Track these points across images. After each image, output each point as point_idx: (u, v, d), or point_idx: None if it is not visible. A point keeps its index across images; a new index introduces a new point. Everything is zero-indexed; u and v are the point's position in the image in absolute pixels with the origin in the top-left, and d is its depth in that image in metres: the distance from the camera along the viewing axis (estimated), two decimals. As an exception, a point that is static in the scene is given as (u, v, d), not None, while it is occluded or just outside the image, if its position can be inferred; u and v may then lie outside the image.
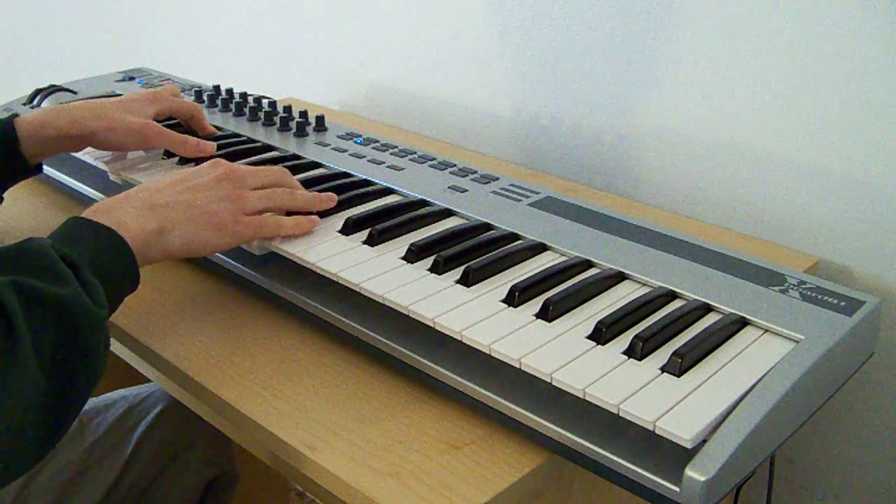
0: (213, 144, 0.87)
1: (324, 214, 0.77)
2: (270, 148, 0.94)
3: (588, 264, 0.69)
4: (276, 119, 1.00)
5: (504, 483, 0.54)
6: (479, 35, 1.11)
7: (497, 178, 0.85)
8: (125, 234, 0.61)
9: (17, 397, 0.49)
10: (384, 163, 0.89)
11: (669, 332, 0.59)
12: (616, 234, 0.73)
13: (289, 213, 0.74)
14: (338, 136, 0.98)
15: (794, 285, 0.66)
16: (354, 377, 0.65)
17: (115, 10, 1.82)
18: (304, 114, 1.01)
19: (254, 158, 0.90)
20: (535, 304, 0.62)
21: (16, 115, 0.82)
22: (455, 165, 0.88)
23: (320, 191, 0.80)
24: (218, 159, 0.74)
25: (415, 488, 0.54)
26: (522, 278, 0.65)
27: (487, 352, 0.58)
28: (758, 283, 0.66)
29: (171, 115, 0.91)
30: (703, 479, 0.47)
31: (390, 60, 1.26)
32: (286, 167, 0.87)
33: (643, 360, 0.56)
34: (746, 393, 0.53)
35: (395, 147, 0.94)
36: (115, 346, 0.78)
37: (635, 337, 0.57)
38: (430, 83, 1.20)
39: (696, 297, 0.64)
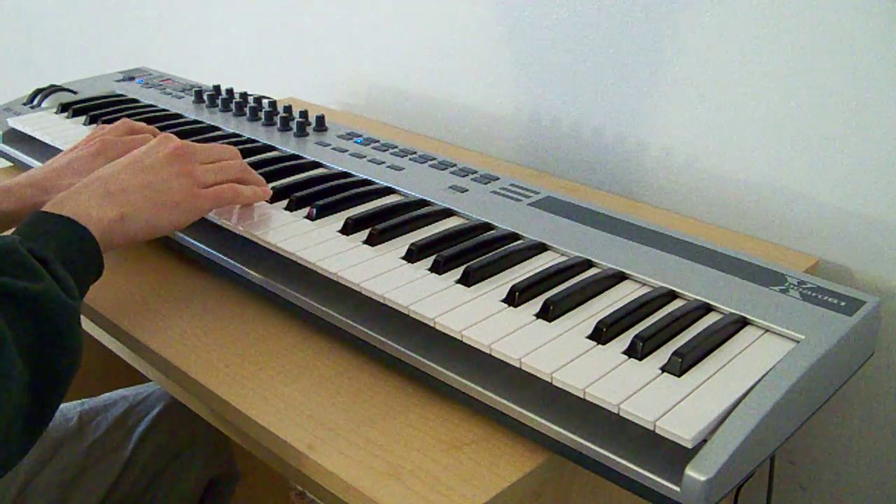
0: None
1: (325, 214, 0.77)
2: (271, 148, 0.94)
3: (588, 264, 0.69)
4: (277, 119, 1.00)
5: (504, 483, 0.54)
6: (480, 35, 1.11)
7: (497, 178, 0.85)
8: (87, 224, 0.62)
9: (3, 391, 0.50)
10: (384, 163, 0.89)
11: (669, 331, 0.59)
12: (616, 234, 0.73)
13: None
14: (338, 136, 0.98)
15: (794, 285, 0.66)
16: (354, 377, 0.65)
17: (115, 10, 1.82)
18: (304, 114, 1.01)
19: (254, 158, 0.90)
20: (536, 304, 0.62)
21: None
22: (455, 165, 0.89)
23: (319, 191, 0.80)
24: (167, 134, 0.74)
25: (415, 488, 0.54)
26: (522, 278, 0.65)
27: (488, 351, 0.58)
28: (758, 283, 0.66)
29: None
30: (703, 478, 0.47)
31: (390, 60, 1.26)
32: (286, 167, 0.87)
33: (643, 360, 0.56)
34: (746, 393, 0.53)
35: (395, 147, 0.94)
36: (116, 346, 0.78)
37: (635, 337, 0.57)
38: (430, 83, 1.20)
39: (697, 297, 0.64)
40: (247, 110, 1.04)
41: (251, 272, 0.73)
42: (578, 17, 0.99)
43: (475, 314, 0.61)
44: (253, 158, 0.90)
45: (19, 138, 1.04)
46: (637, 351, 0.57)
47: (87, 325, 0.78)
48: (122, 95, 1.15)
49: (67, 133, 1.00)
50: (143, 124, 0.88)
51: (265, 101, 1.05)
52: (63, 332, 0.55)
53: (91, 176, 0.68)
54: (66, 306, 0.56)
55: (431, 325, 0.61)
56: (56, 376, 0.55)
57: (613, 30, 0.97)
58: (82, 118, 1.05)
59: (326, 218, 0.77)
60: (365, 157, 0.91)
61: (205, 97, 1.09)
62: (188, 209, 0.69)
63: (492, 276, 0.67)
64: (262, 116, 1.02)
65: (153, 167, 0.69)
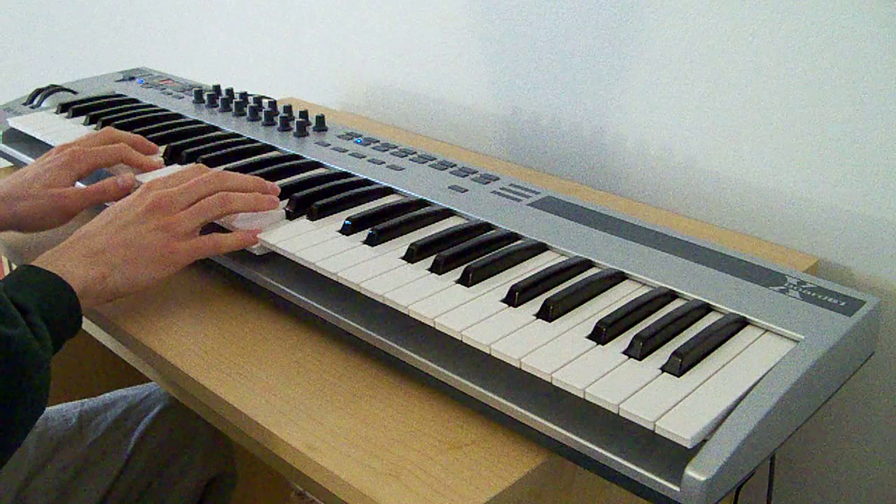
0: (132, 176, 0.82)
1: (324, 214, 0.77)
2: (271, 148, 0.94)
3: (588, 264, 0.69)
4: (277, 119, 1.00)
5: (504, 483, 0.54)
6: (480, 35, 1.11)
7: (497, 178, 0.85)
8: (70, 281, 0.64)
9: None
10: (384, 163, 0.89)
11: (669, 331, 0.59)
12: (616, 234, 0.73)
13: None
14: (338, 136, 0.98)
15: (794, 285, 0.66)
16: (354, 377, 0.65)
17: (115, 10, 1.82)
18: (304, 114, 1.01)
19: (254, 159, 0.90)
20: (536, 304, 0.62)
21: None
22: (455, 165, 0.89)
23: (319, 191, 0.80)
24: (149, 183, 0.74)
25: (415, 488, 0.54)
26: (522, 278, 0.65)
27: (488, 351, 0.58)
28: (758, 283, 0.66)
29: (95, 170, 0.84)
30: (703, 478, 0.47)
31: (390, 60, 1.26)
32: (286, 167, 0.87)
33: (643, 360, 0.56)
34: (746, 393, 0.53)
35: (395, 147, 0.94)
36: (115, 346, 0.78)
37: (635, 337, 0.57)
38: (430, 83, 1.20)
39: (696, 297, 0.64)
40: (247, 110, 1.04)
41: (251, 272, 0.73)
42: (578, 16, 0.99)
43: (475, 314, 0.61)
44: (253, 158, 0.90)
45: (19, 138, 1.04)
46: (637, 351, 0.57)
47: (87, 325, 0.78)
48: (122, 95, 1.15)
49: (67, 133, 1.00)
50: (125, 133, 0.89)
51: (265, 101, 1.05)
52: (30, 380, 0.56)
53: (76, 234, 0.69)
54: (37, 356, 0.57)
55: (431, 325, 0.61)
56: (14, 420, 0.55)
57: (613, 30, 0.97)
58: (82, 118, 1.05)
59: (326, 218, 0.77)
60: (365, 157, 0.91)
61: (205, 97, 1.09)
62: (166, 264, 0.70)
63: (492, 276, 0.67)
64: (262, 116, 1.02)
65: (132, 222, 0.70)
